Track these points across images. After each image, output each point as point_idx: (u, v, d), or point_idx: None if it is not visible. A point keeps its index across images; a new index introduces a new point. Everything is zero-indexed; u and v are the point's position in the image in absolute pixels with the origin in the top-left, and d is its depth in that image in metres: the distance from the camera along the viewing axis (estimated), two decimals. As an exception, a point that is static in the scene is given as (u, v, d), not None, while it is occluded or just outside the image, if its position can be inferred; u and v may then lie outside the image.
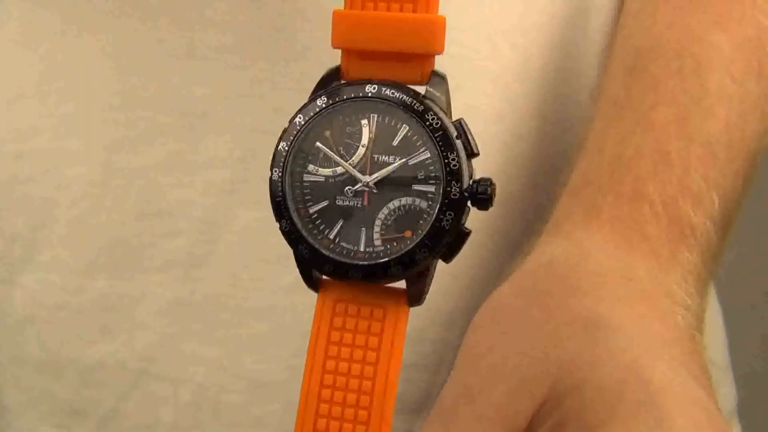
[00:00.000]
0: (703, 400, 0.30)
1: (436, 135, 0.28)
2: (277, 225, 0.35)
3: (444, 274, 0.41)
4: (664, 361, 0.31)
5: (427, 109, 0.28)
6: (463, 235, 0.29)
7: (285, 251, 0.40)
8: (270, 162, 0.39)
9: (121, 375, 0.42)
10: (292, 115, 0.31)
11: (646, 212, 0.36)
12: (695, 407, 0.30)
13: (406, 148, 0.29)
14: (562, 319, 0.32)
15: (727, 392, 0.52)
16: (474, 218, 0.42)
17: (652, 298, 0.34)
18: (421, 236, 0.28)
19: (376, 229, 0.29)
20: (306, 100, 0.32)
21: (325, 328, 0.29)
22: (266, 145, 0.41)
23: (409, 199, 0.29)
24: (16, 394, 0.44)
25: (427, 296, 0.36)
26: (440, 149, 0.28)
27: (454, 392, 0.32)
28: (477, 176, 0.29)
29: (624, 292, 0.33)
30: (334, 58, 0.31)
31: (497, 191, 0.38)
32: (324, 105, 0.30)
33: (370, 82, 0.29)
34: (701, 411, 0.30)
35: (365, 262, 0.29)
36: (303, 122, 0.30)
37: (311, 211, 0.30)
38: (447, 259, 0.29)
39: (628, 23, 0.43)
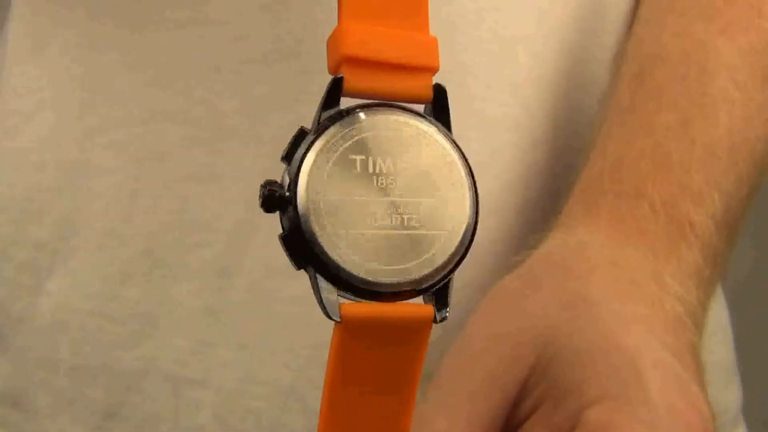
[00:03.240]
0: (675, 369, 0.32)
1: None
2: None
3: (466, 286, 0.41)
4: (640, 332, 0.32)
5: None
6: (283, 239, 0.29)
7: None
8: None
9: (155, 380, 0.43)
10: None
11: (645, 210, 0.37)
12: (668, 374, 0.31)
13: None
14: (550, 298, 0.34)
15: (733, 393, 0.52)
16: (493, 227, 0.43)
17: (639, 284, 0.35)
18: None
19: None
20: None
21: None
22: None
23: None
24: (45, 396, 0.44)
25: (450, 307, 0.37)
26: None
27: (450, 366, 0.34)
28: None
29: (611, 278, 0.35)
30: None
31: (517, 199, 0.39)
32: None
33: None
34: (672, 376, 0.31)
35: None
36: None
37: None
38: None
39: (637, 31, 0.44)
